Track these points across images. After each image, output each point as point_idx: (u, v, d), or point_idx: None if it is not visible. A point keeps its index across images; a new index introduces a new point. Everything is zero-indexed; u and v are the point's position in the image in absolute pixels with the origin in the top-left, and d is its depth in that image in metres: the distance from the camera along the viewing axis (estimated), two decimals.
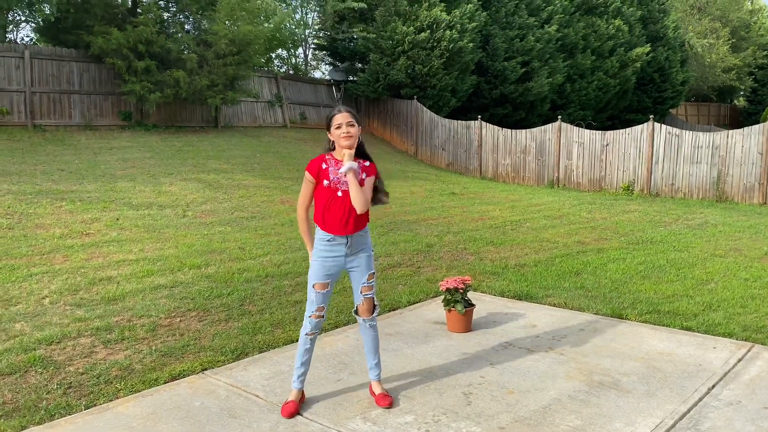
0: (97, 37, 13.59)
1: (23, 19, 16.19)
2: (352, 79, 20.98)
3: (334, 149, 3.61)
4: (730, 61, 35.28)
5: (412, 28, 17.98)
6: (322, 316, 3.65)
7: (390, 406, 3.67)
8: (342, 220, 3.53)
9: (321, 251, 3.59)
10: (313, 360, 4.35)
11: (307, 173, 3.58)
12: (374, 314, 3.74)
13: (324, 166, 3.56)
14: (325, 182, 3.54)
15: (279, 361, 4.37)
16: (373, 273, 3.71)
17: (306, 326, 3.65)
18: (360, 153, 3.62)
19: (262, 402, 3.72)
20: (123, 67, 13.81)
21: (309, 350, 3.67)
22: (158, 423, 3.46)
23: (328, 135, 3.60)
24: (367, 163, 3.61)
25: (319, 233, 3.61)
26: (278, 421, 3.49)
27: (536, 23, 20.89)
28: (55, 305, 5.39)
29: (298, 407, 3.60)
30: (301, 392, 3.70)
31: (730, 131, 13.74)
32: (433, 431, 3.38)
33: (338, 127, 3.50)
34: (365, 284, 3.66)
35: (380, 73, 18.85)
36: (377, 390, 3.75)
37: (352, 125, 3.51)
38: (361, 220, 3.60)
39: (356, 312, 3.75)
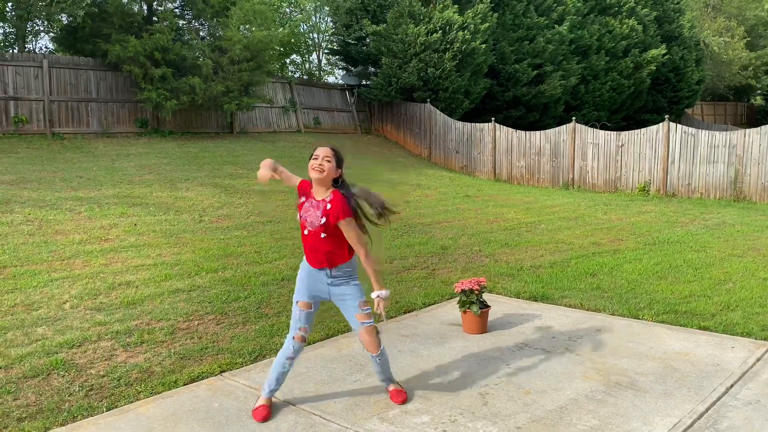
0: (115, 46, 13.79)
1: (42, 29, 16.45)
2: (365, 83, 21.05)
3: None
4: (746, 58, 34.91)
5: (423, 28, 18.01)
6: (304, 339, 3.62)
7: (404, 402, 3.70)
8: (315, 256, 3.52)
9: (306, 268, 3.62)
10: (330, 361, 4.40)
11: (297, 186, 3.65)
12: (381, 349, 3.63)
13: (302, 199, 3.56)
14: (298, 216, 3.57)
15: (296, 362, 4.40)
16: (366, 301, 3.59)
17: (287, 348, 3.60)
18: (336, 184, 3.52)
19: (280, 403, 3.76)
20: (140, 74, 13.99)
21: (285, 374, 3.65)
22: (178, 424, 3.51)
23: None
24: (329, 205, 3.43)
25: (303, 260, 3.66)
26: (296, 422, 3.52)
27: (547, 23, 20.81)
28: (75, 309, 5.47)
29: (270, 410, 3.59)
30: (271, 399, 3.67)
31: (747, 130, 13.61)
32: (450, 431, 3.40)
33: (315, 158, 3.45)
34: (361, 312, 3.55)
35: (392, 76, 18.90)
36: (392, 387, 3.81)
37: (329, 161, 3.44)
38: (333, 258, 3.52)
39: (362, 343, 3.67)
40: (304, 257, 3.64)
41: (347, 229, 3.43)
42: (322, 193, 3.50)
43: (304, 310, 3.60)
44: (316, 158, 3.46)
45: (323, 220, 3.45)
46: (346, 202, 3.46)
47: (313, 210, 3.49)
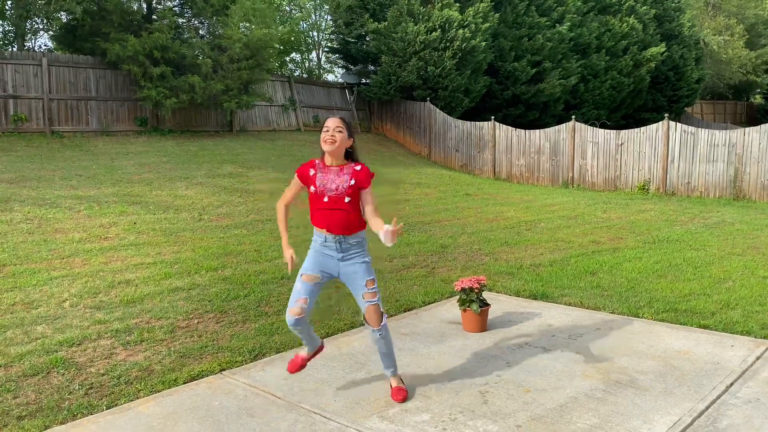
0: (114, 44, 13.78)
1: (41, 27, 16.44)
2: (364, 81, 21.04)
3: (322, 155, 3.63)
4: (746, 57, 34.91)
5: (423, 27, 17.99)
6: (303, 312, 3.56)
7: (404, 400, 3.71)
8: (330, 223, 3.55)
9: (315, 247, 3.66)
10: (330, 359, 4.40)
11: (296, 175, 3.66)
12: (383, 323, 3.67)
13: (312, 172, 3.59)
14: (312, 188, 3.58)
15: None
16: (374, 279, 3.64)
17: (288, 321, 3.62)
18: (349, 157, 3.64)
19: (281, 401, 3.76)
20: (139, 73, 13.98)
21: (302, 331, 3.69)
22: (178, 422, 3.51)
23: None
24: (358, 167, 3.58)
25: (314, 234, 3.67)
26: (296, 420, 3.52)
27: (547, 23, 20.81)
28: (75, 308, 5.47)
29: (304, 362, 3.85)
30: (311, 353, 3.88)
31: (747, 129, 13.61)
32: (450, 429, 3.40)
33: (326, 130, 3.51)
34: (367, 291, 3.60)
35: (392, 75, 18.89)
36: (394, 383, 3.82)
37: (340, 131, 3.51)
38: (351, 224, 3.57)
39: (364, 320, 3.71)
40: (315, 233, 3.64)
41: (372, 195, 3.56)
42: (339, 161, 3.57)
43: (307, 282, 3.60)
44: (327, 130, 3.51)
45: (352, 182, 3.52)
46: (369, 170, 3.62)
47: (332, 176, 3.54)
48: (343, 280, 3.67)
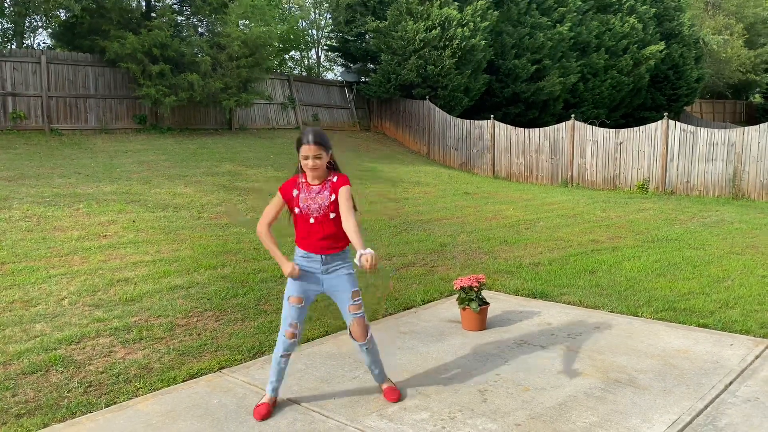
0: (113, 42, 13.76)
1: (40, 24, 16.41)
2: (364, 80, 21.03)
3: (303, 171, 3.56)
4: (745, 56, 34.92)
5: (422, 25, 17.98)
6: (295, 336, 3.56)
7: (398, 400, 3.70)
8: (317, 244, 3.52)
9: (299, 262, 3.60)
10: (329, 358, 4.40)
11: (278, 193, 3.58)
12: (368, 337, 3.62)
13: (295, 192, 3.54)
14: (296, 210, 3.54)
15: (294, 359, 4.40)
16: (359, 291, 3.59)
17: (278, 347, 3.58)
18: (330, 168, 3.59)
19: (280, 400, 3.75)
20: (138, 71, 13.96)
21: (283, 370, 3.62)
22: (177, 420, 3.51)
23: (298, 155, 3.52)
24: (335, 179, 3.53)
25: (297, 251, 3.62)
26: (295, 419, 3.52)
27: (549, 23, 20.80)
28: (74, 306, 5.46)
29: (270, 409, 3.57)
30: (275, 398, 3.65)
31: (746, 128, 13.61)
32: (449, 428, 3.39)
33: (305, 158, 3.46)
34: (352, 303, 3.56)
35: (391, 73, 18.87)
36: (385, 386, 3.81)
37: (318, 157, 3.44)
38: (339, 242, 3.55)
39: (350, 334, 3.65)
40: (297, 253, 3.61)
41: (347, 196, 3.45)
42: (321, 179, 3.53)
43: (295, 305, 3.55)
44: (307, 158, 3.45)
45: (332, 197, 3.48)
46: (347, 178, 3.58)
47: (314, 195, 3.50)
48: (328, 293, 3.62)
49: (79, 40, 14.83)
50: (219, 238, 8.20)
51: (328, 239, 3.52)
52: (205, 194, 10.56)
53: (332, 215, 3.49)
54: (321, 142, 3.45)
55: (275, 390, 3.65)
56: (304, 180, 3.56)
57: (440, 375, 4.12)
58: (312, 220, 3.50)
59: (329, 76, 26.41)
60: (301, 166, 3.54)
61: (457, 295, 5.17)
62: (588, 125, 16.02)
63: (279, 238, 3.62)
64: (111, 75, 14.61)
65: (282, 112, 18.51)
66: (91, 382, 4.04)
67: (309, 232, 3.53)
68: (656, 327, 5.07)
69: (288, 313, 3.57)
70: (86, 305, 5.49)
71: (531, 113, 21.49)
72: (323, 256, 3.54)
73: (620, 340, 4.74)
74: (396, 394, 3.74)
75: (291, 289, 3.58)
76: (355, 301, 3.56)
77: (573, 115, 17.10)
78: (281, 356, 3.58)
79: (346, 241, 3.56)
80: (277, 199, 3.60)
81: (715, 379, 3.98)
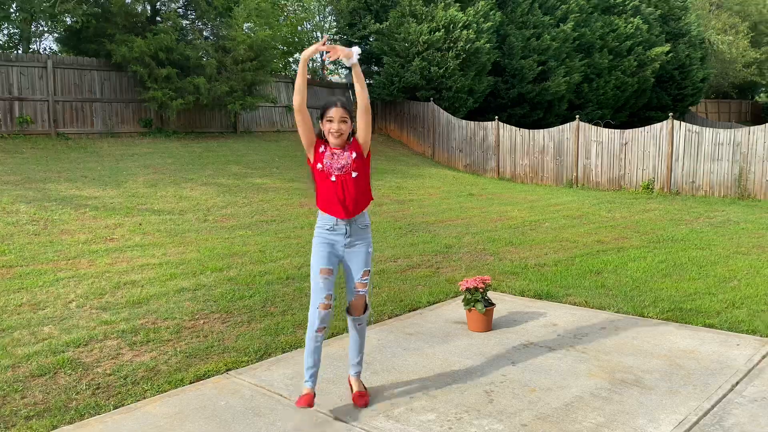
0: (120, 46, 13.83)
1: (46, 29, 16.51)
2: (368, 82, 21.06)
3: (325, 139, 3.57)
4: (750, 55, 34.82)
5: (426, 27, 17.98)
6: (330, 306, 3.54)
7: (366, 406, 3.65)
8: (343, 203, 3.51)
9: (322, 235, 3.60)
10: (336, 359, 4.41)
11: (315, 137, 3.60)
12: (365, 313, 3.69)
13: (321, 149, 3.55)
14: (319, 166, 3.53)
15: (302, 361, 4.39)
16: (369, 271, 3.65)
17: (313, 322, 3.53)
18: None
19: (286, 401, 3.77)
20: (145, 74, 14.03)
21: (318, 348, 3.60)
22: (185, 422, 3.53)
23: (320, 124, 3.56)
24: (352, 141, 3.59)
25: (320, 220, 3.62)
26: (302, 420, 3.53)
27: (551, 22, 20.79)
28: (81, 309, 5.50)
29: (312, 400, 3.57)
30: (314, 390, 3.64)
31: (752, 128, 13.57)
32: (455, 429, 3.40)
33: (330, 121, 3.48)
34: (359, 281, 3.62)
35: (395, 75, 18.89)
36: (355, 387, 3.73)
37: (344, 121, 3.48)
38: (361, 202, 3.56)
39: (347, 311, 3.71)
40: (322, 218, 3.60)
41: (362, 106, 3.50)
42: (342, 145, 3.55)
43: (327, 277, 3.55)
44: (332, 120, 3.47)
45: (354, 155, 3.52)
46: None
47: (337, 157, 3.52)
48: (343, 262, 3.64)
49: (84, 44, 14.92)
50: (225, 240, 8.23)
51: (350, 200, 3.51)
52: (211, 197, 10.60)
53: (354, 174, 3.51)
54: (348, 108, 3.51)
55: (314, 376, 3.63)
56: (326, 144, 3.57)
57: (446, 376, 4.13)
58: (333, 178, 3.50)
59: (334, 78, 26.44)
60: (322, 134, 3.56)
61: (462, 297, 5.18)
62: (593, 126, 16.00)
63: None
64: (117, 79, 14.69)
65: (287, 115, 18.55)
66: (99, 384, 4.07)
67: (329, 191, 3.52)
68: (662, 327, 5.06)
69: (320, 286, 3.54)
70: (93, 308, 5.52)
71: (535, 114, 21.49)
72: (347, 227, 3.55)
73: (626, 341, 4.74)
74: (365, 399, 3.68)
75: (319, 261, 3.56)
76: (363, 279, 3.63)
77: (577, 116, 17.09)
78: (316, 331, 3.55)
79: (366, 202, 3.62)
80: (313, 126, 3.59)
81: (721, 379, 3.98)
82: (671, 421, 3.43)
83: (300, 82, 3.47)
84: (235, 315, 5.47)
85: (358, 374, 3.79)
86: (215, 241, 8.14)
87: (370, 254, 3.66)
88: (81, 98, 14.08)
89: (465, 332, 5.02)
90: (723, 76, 35.01)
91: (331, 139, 3.51)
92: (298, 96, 3.49)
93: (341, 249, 3.60)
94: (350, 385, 3.79)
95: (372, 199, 3.71)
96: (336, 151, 3.54)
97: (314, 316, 3.55)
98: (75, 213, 8.82)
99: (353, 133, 3.61)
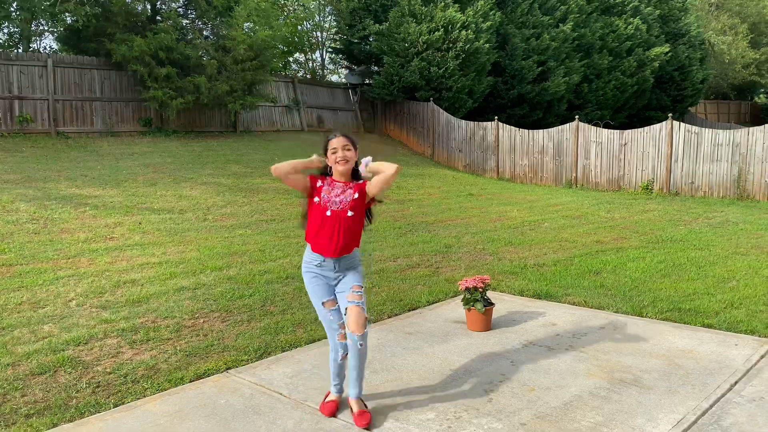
0: (120, 45, 13.84)
1: (46, 28, 16.51)
2: (368, 82, 21.07)
3: (330, 174, 3.59)
4: (749, 56, 34.85)
5: (425, 27, 18.00)
6: (346, 336, 3.50)
7: (368, 425, 3.43)
8: (332, 240, 3.49)
9: (312, 271, 3.59)
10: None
11: (308, 177, 3.59)
12: (365, 331, 3.47)
13: (319, 183, 3.55)
14: (316, 199, 3.53)
15: (301, 359, 4.43)
16: (361, 285, 3.58)
17: (336, 350, 3.55)
18: (356, 176, 3.61)
19: (286, 399, 3.78)
20: (145, 73, 14.04)
21: (343, 366, 3.62)
22: (185, 420, 3.54)
23: (326, 160, 3.57)
24: (361, 182, 3.60)
25: (307, 255, 3.61)
26: (302, 418, 3.54)
27: (551, 22, 20.81)
28: (81, 307, 5.51)
29: (338, 406, 3.59)
30: (340, 397, 3.66)
31: (751, 128, 13.59)
32: (455, 427, 3.41)
33: (334, 152, 3.50)
34: (352, 292, 3.52)
35: (394, 75, 18.91)
36: (355, 407, 3.51)
37: (348, 149, 3.51)
38: (351, 243, 3.55)
39: (346, 326, 3.59)
40: (310, 254, 3.60)
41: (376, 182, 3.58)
42: (347, 178, 3.57)
43: (333, 308, 3.56)
44: (335, 151, 3.50)
45: (356, 195, 3.52)
46: None
47: (338, 191, 3.52)
48: (336, 289, 3.62)
49: (84, 43, 14.92)
50: (225, 239, 8.23)
51: (341, 237, 3.49)
52: (211, 196, 10.61)
53: (350, 213, 3.50)
54: (350, 138, 3.56)
55: (341, 388, 3.66)
56: (329, 178, 3.59)
57: (446, 375, 4.14)
58: (329, 213, 3.49)
59: (334, 78, 26.47)
60: (328, 170, 3.59)
61: (462, 296, 5.19)
62: (592, 126, 16.01)
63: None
64: (117, 78, 14.69)
65: (287, 115, 18.56)
66: (99, 382, 4.08)
67: (322, 226, 3.50)
68: (661, 327, 5.08)
69: (330, 318, 3.55)
70: (93, 306, 5.53)
71: (535, 114, 21.50)
72: (336, 263, 3.54)
73: (625, 340, 4.75)
74: (366, 419, 3.45)
75: (320, 295, 3.57)
76: (356, 291, 3.53)
77: (577, 117, 17.10)
78: (341, 359, 3.58)
79: (355, 244, 3.59)
80: (303, 177, 3.57)
81: (720, 379, 3.99)
82: (670, 421, 3.44)
83: (291, 167, 3.49)
84: (234, 314, 5.48)
85: (358, 395, 3.57)
86: (215, 240, 8.14)
87: (359, 272, 3.63)
88: (81, 97, 14.08)
89: (464, 332, 5.04)
90: (722, 76, 35.04)
91: (338, 168, 3.51)
92: (286, 167, 3.48)
93: (333, 281, 3.60)
94: (350, 406, 3.55)
95: (358, 246, 3.64)
96: (337, 183, 3.54)
97: (336, 345, 3.56)
98: (75, 212, 8.83)
99: (358, 175, 3.62)
